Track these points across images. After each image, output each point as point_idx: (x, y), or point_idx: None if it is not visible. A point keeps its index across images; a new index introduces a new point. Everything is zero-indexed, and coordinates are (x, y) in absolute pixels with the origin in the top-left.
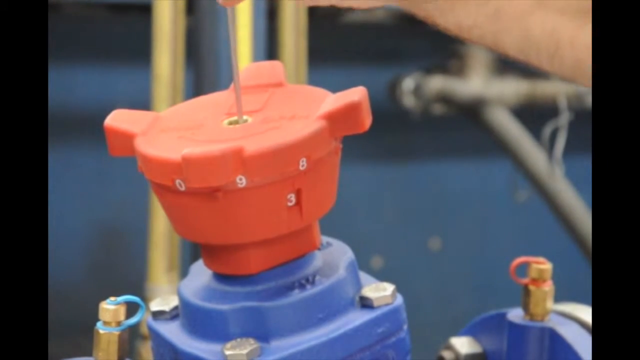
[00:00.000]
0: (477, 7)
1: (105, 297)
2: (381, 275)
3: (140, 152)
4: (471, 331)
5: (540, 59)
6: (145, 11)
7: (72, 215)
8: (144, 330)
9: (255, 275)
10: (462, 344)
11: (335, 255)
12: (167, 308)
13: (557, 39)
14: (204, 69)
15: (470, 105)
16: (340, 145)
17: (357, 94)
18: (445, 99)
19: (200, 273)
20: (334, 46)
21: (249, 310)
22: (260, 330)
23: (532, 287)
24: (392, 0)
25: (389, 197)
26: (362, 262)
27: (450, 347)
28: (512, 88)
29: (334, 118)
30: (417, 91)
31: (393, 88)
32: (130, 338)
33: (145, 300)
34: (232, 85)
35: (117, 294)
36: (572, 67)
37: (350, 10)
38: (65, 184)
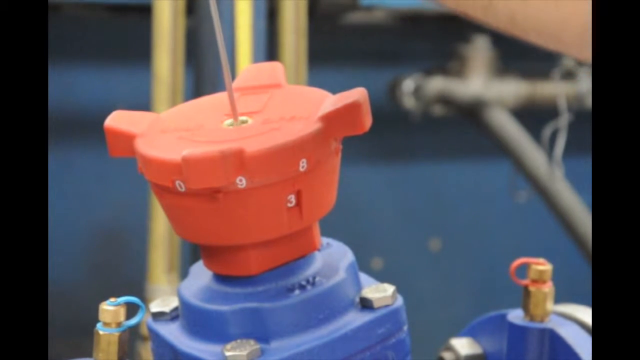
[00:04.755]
0: None
1: (105, 298)
2: (381, 276)
3: (140, 153)
4: (471, 332)
5: (476, 11)
6: (145, 12)
7: (72, 216)
8: (144, 331)
9: (256, 277)
10: (462, 344)
11: (335, 257)
12: (167, 309)
13: None
14: (204, 70)
15: (470, 106)
16: (341, 146)
17: (357, 95)
18: (445, 100)
19: (200, 274)
20: (334, 47)
21: (249, 311)
22: (261, 331)
23: (532, 288)
24: None
25: (389, 198)
26: (362, 263)
27: (450, 348)
28: (512, 89)
29: (334, 119)
30: (417, 92)
31: (393, 89)
32: (131, 339)
33: (145, 301)
34: (232, 86)
35: (117, 294)
36: (507, 18)
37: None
38: (65, 184)
